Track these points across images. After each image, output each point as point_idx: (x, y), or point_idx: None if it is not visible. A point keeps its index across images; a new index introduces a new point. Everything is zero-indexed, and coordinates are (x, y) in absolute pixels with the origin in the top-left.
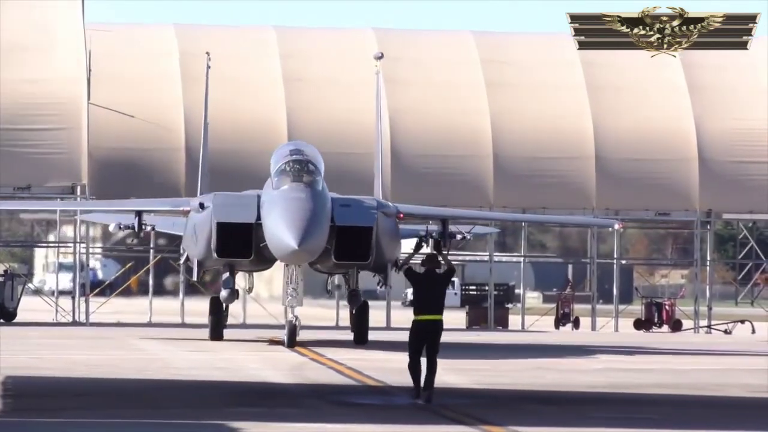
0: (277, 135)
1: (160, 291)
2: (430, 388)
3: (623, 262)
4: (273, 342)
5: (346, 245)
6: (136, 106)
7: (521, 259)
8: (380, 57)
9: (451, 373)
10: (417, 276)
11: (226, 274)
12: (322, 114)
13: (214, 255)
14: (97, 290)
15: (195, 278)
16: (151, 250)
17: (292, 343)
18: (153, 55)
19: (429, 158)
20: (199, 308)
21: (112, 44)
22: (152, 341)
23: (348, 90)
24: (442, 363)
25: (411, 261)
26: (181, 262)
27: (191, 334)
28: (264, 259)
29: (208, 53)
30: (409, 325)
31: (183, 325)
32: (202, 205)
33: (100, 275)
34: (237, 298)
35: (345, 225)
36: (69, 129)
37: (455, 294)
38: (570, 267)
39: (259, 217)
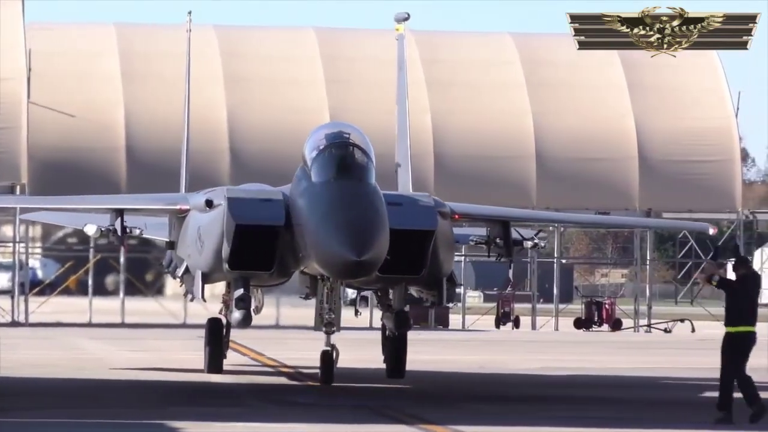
0: (217, 135)
1: (100, 291)
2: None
3: (563, 261)
4: (295, 378)
5: (397, 254)
6: (76, 106)
7: (462, 258)
8: (406, 18)
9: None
10: (734, 284)
11: (240, 291)
12: (263, 114)
13: (225, 266)
14: (36, 289)
15: (200, 296)
16: (91, 250)
17: (329, 378)
18: (93, 54)
19: None
20: (139, 308)
21: (53, 43)
22: (92, 341)
23: (289, 89)
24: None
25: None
26: (179, 275)
27: (186, 364)
28: (283, 272)
29: (189, 12)
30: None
31: (123, 324)
32: (209, 203)
33: (39, 275)
34: (251, 322)
35: (400, 229)
36: (8, 128)
37: None
38: (511, 266)
39: (288, 219)
